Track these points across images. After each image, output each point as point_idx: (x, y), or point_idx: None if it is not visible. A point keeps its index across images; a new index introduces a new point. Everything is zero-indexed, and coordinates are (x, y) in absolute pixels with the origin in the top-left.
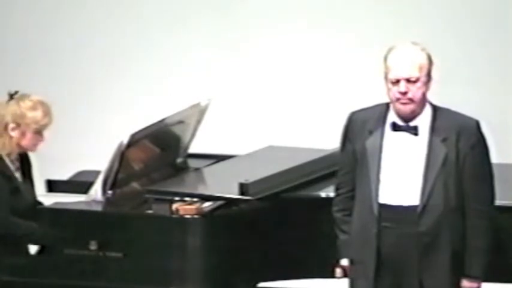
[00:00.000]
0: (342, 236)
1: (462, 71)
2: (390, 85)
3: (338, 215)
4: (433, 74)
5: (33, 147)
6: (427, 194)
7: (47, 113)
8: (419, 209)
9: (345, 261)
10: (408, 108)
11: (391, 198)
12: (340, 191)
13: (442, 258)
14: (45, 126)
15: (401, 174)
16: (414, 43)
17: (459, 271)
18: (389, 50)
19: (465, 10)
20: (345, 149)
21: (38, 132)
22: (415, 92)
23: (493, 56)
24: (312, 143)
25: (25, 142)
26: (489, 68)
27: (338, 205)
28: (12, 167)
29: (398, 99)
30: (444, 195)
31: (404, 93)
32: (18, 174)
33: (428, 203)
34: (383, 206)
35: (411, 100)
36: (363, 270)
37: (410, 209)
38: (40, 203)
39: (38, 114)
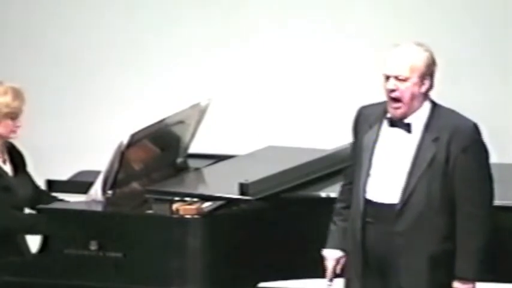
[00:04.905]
0: (331, 227)
1: (464, 71)
2: (384, 81)
3: (337, 205)
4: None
5: (10, 133)
6: (408, 193)
7: (17, 96)
8: (397, 208)
9: (327, 252)
10: (399, 113)
11: (375, 195)
12: (344, 182)
13: (417, 262)
14: (16, 109)
15: (389, 171)
16: (418, 44)
17: (438, 275)
18: (392, 48)
19: (468, 12)
20: (353, 142)
21: (12, 117)
22: (403, 91)
23: (494, 56)
24: (312, 143)
25: (1, 129)
26: (490, 68)
27: (340, 195)
28: None
29: (389, 99)
30: (427, 196)
31: (392, 91)
32: (7, 168)
33: (409, 202)
34: (368, 202)
35: (399, 100)
36: (353, 266)
37: (391, 207)
38: (43, 192)
39: (7, 98)
